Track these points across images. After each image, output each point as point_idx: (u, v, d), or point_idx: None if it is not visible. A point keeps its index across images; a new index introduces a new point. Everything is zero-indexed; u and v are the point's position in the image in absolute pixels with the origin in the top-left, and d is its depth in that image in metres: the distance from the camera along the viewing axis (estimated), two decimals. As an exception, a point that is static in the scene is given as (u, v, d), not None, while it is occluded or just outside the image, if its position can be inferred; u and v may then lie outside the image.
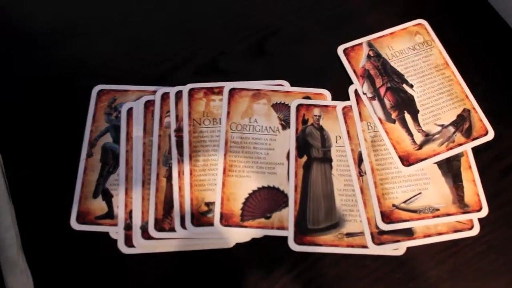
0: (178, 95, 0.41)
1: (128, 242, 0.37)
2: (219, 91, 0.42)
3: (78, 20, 0.47)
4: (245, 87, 0.42)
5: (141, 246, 0.37)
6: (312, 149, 0.40)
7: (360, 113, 0.41)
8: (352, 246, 0.37)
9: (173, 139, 0.40)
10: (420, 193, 0.38)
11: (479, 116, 0.41)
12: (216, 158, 0.39)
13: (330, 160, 0.39)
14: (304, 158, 0.39)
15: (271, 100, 0.41)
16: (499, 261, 0.37)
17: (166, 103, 0.41)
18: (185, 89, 0.41)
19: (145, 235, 0.37)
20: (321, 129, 0.40)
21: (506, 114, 0.42)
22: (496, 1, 0.46)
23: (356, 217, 0.38)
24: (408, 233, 0.37)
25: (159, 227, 0.37)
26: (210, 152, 0.39)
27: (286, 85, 0.42)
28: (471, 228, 0.38)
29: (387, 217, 0.37)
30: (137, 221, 0.37)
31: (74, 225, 0.38)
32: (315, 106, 0.41)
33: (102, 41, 0.46)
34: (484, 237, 0.38)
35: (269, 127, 0.40)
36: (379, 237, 0.37)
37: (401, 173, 0.39)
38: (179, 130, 0.40)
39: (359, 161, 0.39)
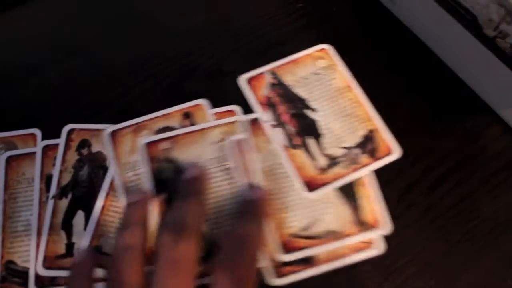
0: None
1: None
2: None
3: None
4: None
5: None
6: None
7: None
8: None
9: None
10: (318, 218, 0.38)
11: (383, 136, 0.40)
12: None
13: None
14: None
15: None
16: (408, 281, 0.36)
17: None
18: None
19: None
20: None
21: (410, 134, 0.41)
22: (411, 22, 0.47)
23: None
24: (311, 261, 0.36)
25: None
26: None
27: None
28: (374, 247, 0.37)
29: (286, 247, 0.36)
30: None
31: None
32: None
33: None
34: (391, 255, 0.37)
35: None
36: (280, 269, 0.36)
37: (302, 199, 0.38)
38: None
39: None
